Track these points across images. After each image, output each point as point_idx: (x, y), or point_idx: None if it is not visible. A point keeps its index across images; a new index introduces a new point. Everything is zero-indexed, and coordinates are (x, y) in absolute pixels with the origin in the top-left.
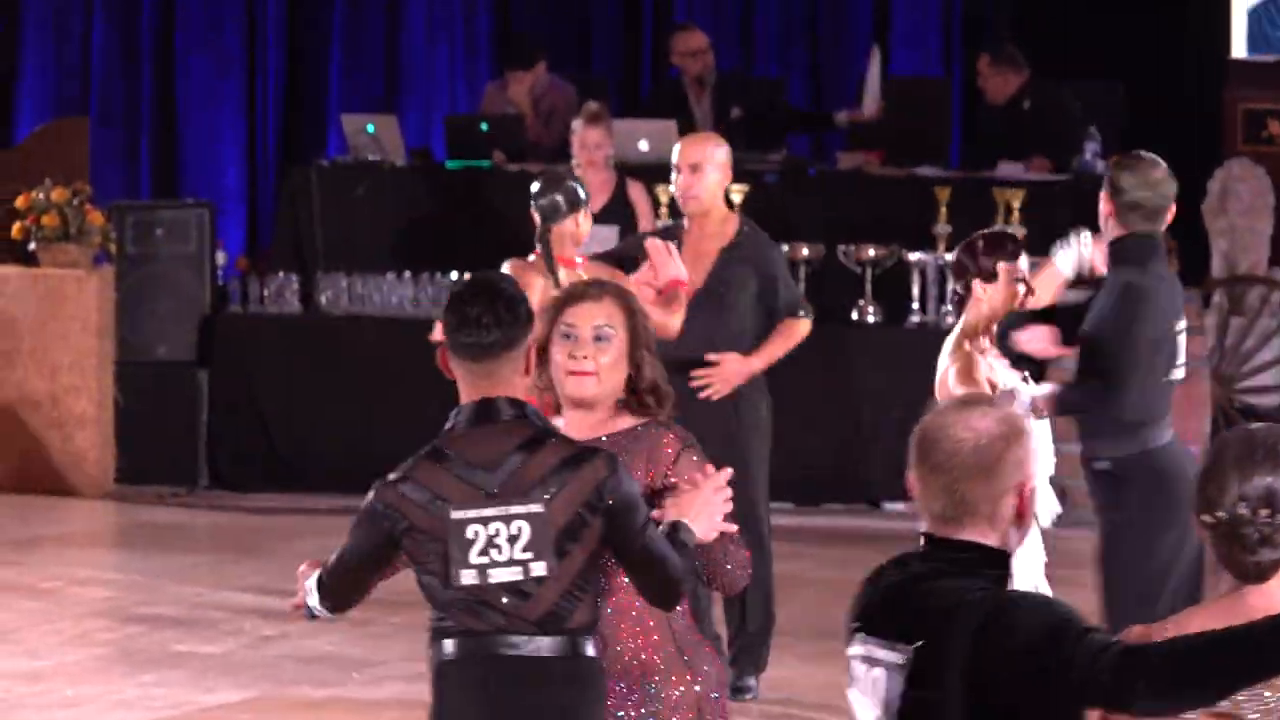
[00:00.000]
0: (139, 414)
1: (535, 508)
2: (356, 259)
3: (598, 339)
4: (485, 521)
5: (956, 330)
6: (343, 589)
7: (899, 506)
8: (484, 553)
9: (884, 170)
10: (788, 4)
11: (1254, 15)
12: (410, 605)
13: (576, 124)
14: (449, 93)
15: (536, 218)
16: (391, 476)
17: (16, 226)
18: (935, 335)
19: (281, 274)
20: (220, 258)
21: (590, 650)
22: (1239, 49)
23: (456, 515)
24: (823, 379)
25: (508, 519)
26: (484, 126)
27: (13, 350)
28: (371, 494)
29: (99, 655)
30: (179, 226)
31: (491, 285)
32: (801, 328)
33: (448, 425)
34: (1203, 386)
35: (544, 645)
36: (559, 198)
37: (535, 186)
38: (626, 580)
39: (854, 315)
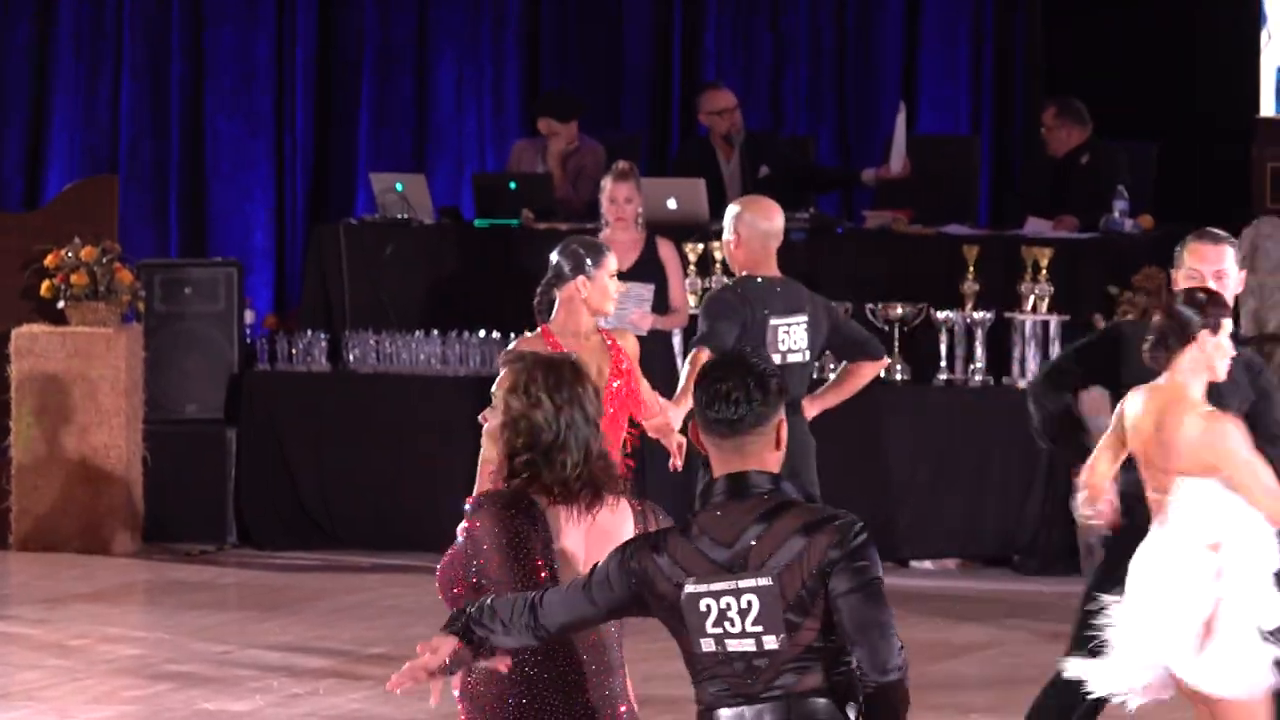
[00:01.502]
0: (167, 472)
1: (764, 581)
2: (384, 317)
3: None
4: (717, 596)
5: (1178, 386)
6: (561, 615)
7: (927, 565)
8: (718, 624)
9: (912, 228)
10: (816, 63)
11: None
12: None
13: (606, 181)
14: (478, 151)
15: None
16: (649, 541)
17: (46, 285)
18: (963, 394)
19: (309, 332)
20: (248, 316)
21: (822, 711)
22: (1268, 108)
23: (690, 589)
24: (850, 437)
25: (738, 593)
26: (512, 185)
27: (41, 408)
28: (627, 550)
29: (127, 713)
30: (207, 285)
31: (744, 361)
32: None
33: (702, 498)
34: None
35: (765, 710)
36: (561, 259)
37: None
38: None
39: (882, 373)
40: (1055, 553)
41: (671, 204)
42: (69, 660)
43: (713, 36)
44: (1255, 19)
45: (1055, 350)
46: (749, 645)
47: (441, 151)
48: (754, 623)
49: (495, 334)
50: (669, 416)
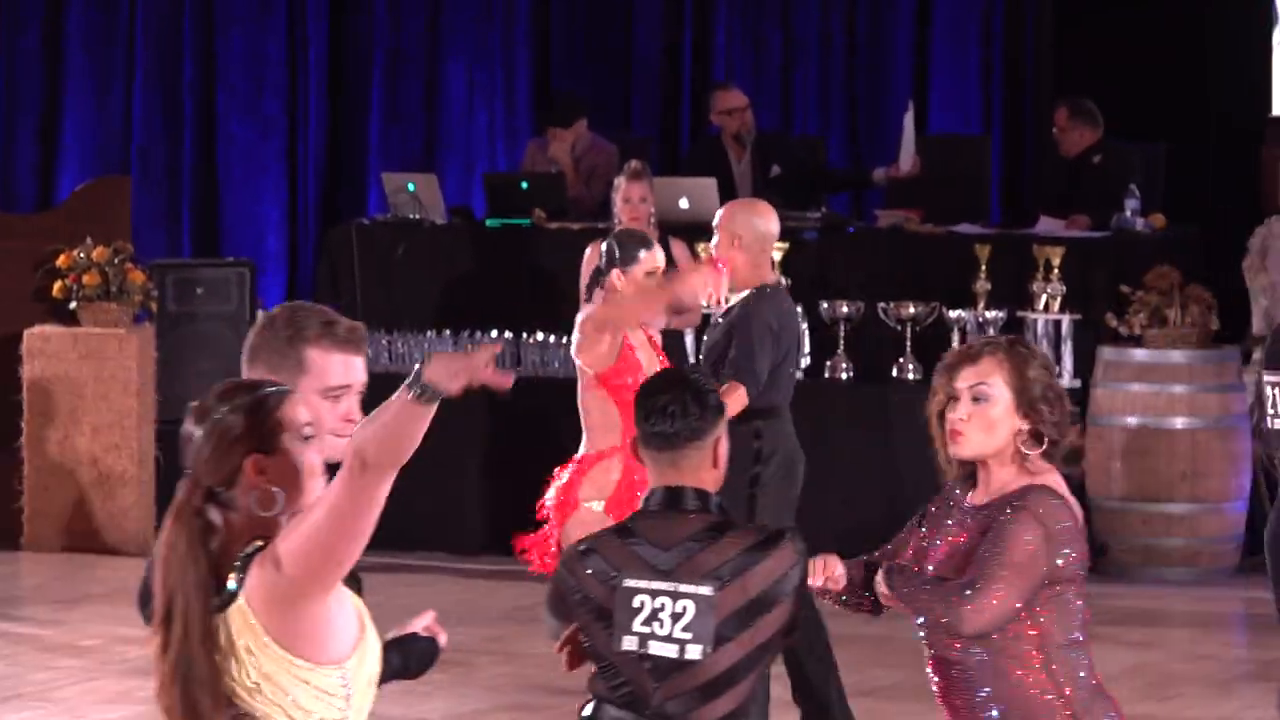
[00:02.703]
0: (180, 473)
1: (705, 590)
2: (397, 317)
3: (975, 399)
4: (654, 594)
5: None
6: None
7: None
8: (647, 623)
9: (923, 228)
10: (827, 63)
11: None
12: (452, 664)
13: (619, 180)
14: (489, 151)
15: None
16: (581, 547)
17: (58, 285)
18: None
19: None
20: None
21: None
22: None
23: (628, 583)
24: (862, 437)
25: (676, 596)
26: (524, 185)
27: (53, 408)
28: (561, 565)
29: (140, 713)
30: (219, 285)
31: (682, 376)
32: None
33: (640, 507)
34: (1243, 443)
35: None
36: (612, 244)
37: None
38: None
39: (894, 373)
40: None
41: (683, 204)
42: (82, 661)
43: (723, 36)
44: (1267, 18)
45: (1067, 349)
46: (671, 651)
47: (452, 152)
48: (684, 629)
49: (508, 333)
50: None
